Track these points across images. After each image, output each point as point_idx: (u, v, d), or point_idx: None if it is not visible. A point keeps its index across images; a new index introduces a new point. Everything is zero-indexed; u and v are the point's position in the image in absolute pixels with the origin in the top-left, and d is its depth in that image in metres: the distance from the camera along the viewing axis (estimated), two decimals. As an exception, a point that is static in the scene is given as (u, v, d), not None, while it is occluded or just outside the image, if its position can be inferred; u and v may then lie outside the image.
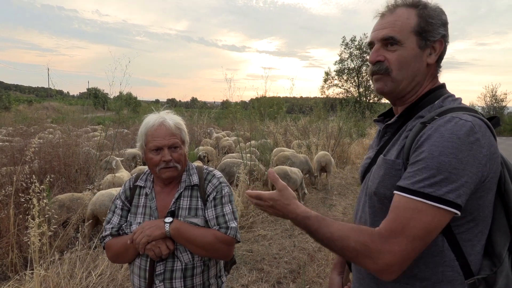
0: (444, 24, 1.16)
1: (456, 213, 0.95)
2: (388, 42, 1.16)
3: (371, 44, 1.22)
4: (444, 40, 1.16)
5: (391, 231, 0.98)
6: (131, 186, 1.80)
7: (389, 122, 1.26)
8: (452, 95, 1.18)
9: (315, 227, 1.11)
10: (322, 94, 37.20)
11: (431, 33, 1.14)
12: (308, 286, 3.89)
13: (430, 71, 1.19)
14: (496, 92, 41.71)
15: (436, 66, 1.20)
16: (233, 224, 1.66)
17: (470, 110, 1.06)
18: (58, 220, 4.04)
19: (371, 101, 33.46)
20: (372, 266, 0.99)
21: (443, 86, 1.21)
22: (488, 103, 42.02)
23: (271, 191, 1.21)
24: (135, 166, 7.65)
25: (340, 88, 37.23)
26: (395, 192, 1.03)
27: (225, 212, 1.67)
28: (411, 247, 0.96)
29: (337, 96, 36.14)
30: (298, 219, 1.15)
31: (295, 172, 6.97)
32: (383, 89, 1.20)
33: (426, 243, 0.97)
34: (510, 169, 1.11)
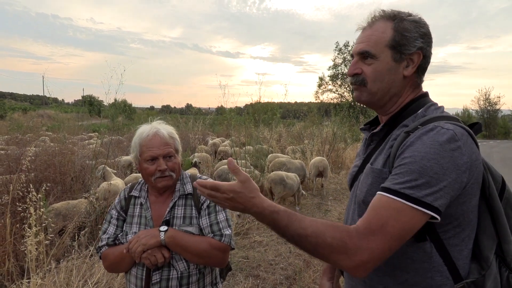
0: (423, 35, 1.17)
1: (433, 216, 0.97)
2: (364, 56, 1.20)
3: (353, 56, 1.27)
4: (422, 51, 1.17)
5: (370, 228, 0.99)
6: (126, 196, 1.82)
7: (375, 131, 1.28)
8: (435, 104, 1.20)
9: (285, 223, 1.06)
10: (316, 99, 37.39)
11: (407, 46, 1.16)
12: (303, 292, 3.92)
13: (409, 82, 1.21)
14: (489, 95, 42.14)
15: (416, 76, 1.21)
16: (227, 231, 1.69)
17: (452, 118, 1.09)
18: (54, 229, 4.05)
19: (365, 106, 33.58)
20: (346, 263, 0.99)
21: (425, 94, 1.23)
22: (482, 106, 42.37)
23: (231, 182, 1.11)
24: (130, 174, 7.65)
25: (334, 93, 37.44)
26: (377, 193, 1.05)
27: (219, 220, 1.70)
28: (388, 245, 0.97)
29: (331, 101, 36.31)
30: (264, 213, 1.08)
31: (292, 177, 6.95)
32: (360, 97, 1.26)
33: (401, 243, 0.99)
34: (493, 174, 1.14)
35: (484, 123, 40.27)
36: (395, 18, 1.18)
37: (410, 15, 1.19)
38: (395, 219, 0.98)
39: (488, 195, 1.10)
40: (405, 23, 1.17)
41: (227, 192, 1.09)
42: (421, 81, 1.24)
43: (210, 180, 1.23)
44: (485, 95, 42.43)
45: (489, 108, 42.13)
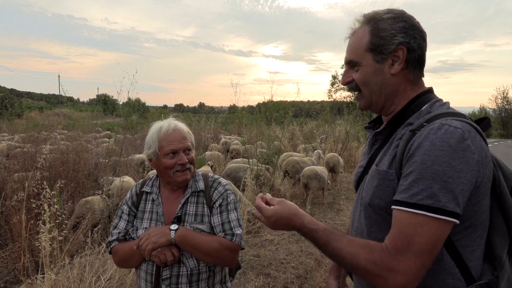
0: (403, 29, 1.14)
1: (455, 222, 0.95)
2: (351, 64, 1.23)
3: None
4: (405, 46, 1.14)
5: (397, 249, 0.98)
6: (138, 192, 1.83)
7: (378, 130, 1.26)
8: (440, 100, 1.17)
9: (323, 241, 1.09)
10: (329, 97, 37.04)
11: (385, 46, 1.15)
12: (314, 291, 3.90)
13: (402, 79, 1.18)
14: (507, 93, 41.16)
15: (408, 72, 1.17)
16: (238, 231, 1.69)
17: (458, 115, 1.06)
18: (69, 225, 4.12)
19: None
20: (384, 286, 0.99)
21: (429, 91, 1.20)
22: (499, 105, 41.45)
23: (271, 207, 1.17)
24: (143, 172, 7.68)
25: (348, 91, 37.04)
26: (393, 207, 1.02)
27: (230, 219, 1.70)
28: (420, 263, 0.95)
29: (345, 100, 35.96)
30: (304, 231, 1.13)
31: (323, 171, 7.37)
32: (360, 105, 1.28)
33: (433, 256, 0.97)
34: (504, 170, 1.10)
35: (501, 122, 39.42)
36: (371, 21, 1.18)
37: (388, 12, 1.17)
38: (420, 234, 0.95)
39: (499, 193, 1.07)
40: (381, 23, 1.16)
41: (270, 216, 1.17)
42: (418, 75, 1.19)
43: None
44: (503, 94, 41.44)
45: (507, 106, 41.13)
